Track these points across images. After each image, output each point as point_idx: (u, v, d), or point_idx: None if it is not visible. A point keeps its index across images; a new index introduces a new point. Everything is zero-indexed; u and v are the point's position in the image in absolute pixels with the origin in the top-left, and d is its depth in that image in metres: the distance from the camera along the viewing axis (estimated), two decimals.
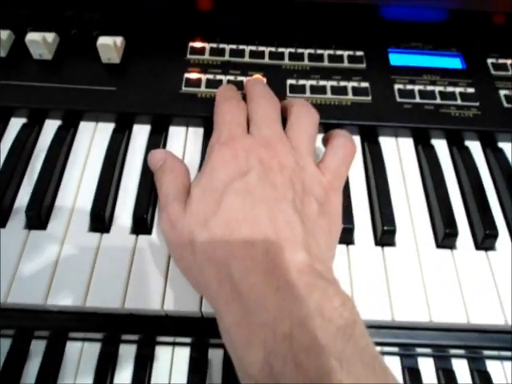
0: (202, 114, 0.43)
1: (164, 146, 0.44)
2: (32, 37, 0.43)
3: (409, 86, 0.46)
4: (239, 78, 0.46)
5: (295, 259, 0.28)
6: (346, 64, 0.47)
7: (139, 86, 0.45)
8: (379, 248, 0.38)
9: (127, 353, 0.38)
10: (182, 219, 0.33)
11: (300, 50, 0.48)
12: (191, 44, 0.48)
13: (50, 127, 0.44)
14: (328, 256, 0.32)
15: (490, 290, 0.36)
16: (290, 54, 0.48)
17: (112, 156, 0.42)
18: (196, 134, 0.44)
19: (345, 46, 0.49)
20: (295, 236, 0.30)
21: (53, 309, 0.35)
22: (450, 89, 0.46)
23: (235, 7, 0.49)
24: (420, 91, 0.45)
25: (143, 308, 0.34)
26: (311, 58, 0.48)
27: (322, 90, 0.45)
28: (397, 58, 0.48)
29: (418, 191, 0.42)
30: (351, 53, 0.48)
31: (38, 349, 0.38)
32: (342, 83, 0.46)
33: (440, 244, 0.38)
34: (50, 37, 0.45)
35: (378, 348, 0.37)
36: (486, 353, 0.38)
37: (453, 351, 0.38)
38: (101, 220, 0.38)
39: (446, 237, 0.38)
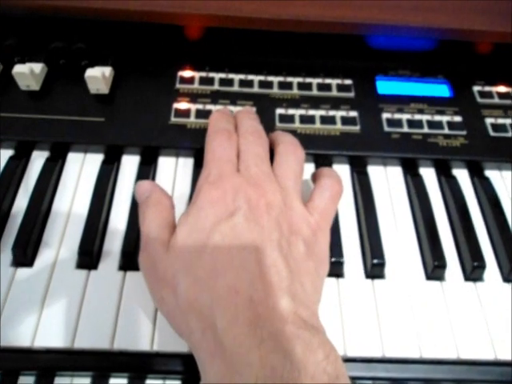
0: (191, 145, 0.43)
1: (153, 177, 0.43)
2: (19, 69, 0.43)
3: (396, 115, 0.46)
4: (229, 108, 0.46)
5: (280, 307, 0.28)
6: (334, 93, 0.48)
7: (128, 116, 0.44)
8: (369, 281, 0.38)
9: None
10: (164, 260, 0.32)
11: (289, 79, 0.49)
12: (180, 73, 0.48)
13: (38, 159, 0.44)
14: (314, 300, 0.32)
15: (478, 322, 0.37)
16: (279, 82, 0.48)
17: (101, 189, 0.41)
18: (186, 164, 0.44)
19: (333, 74, 0.49)
20: (280, 281, 0.29)
21: (40, 349, 0.35)
22: (437, 117, 0.47)
23: (224, 36, 0.49)
24: (408, 120, 0.46)
25: (132, 348, 0.34)
26: (300, 86, 0.48)
27: (311, 119, 0.45)
28: (384, 86, 0.49)
29: (407, 222, 0.42)
30: (340, 81, 0.48)
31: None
32: (331, 112, 0.46)
33: (429, 276, 0.39)
34: (38, 67, 0.45)
35: (369, 382, 0.37)
36: None
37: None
38: (89, 256, 0.37)
39: (434, 269, 0.38)
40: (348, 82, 0.49)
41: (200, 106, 0.46)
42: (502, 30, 0.45)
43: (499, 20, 0.46)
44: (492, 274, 0.39)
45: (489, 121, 0.47)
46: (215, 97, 0.47)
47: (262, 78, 0.48)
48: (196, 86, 0.47)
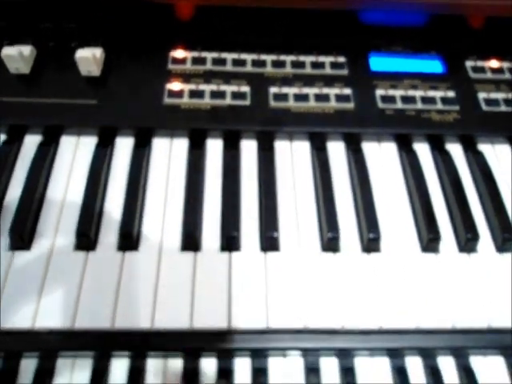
0: (185, 125, 0.43)
1: (148, 159, 0.43)
2: (8, 51, 0.42)
3: (390, 92, 0.46)
4: (222, 88, 0.45)
5: None
6: (328, 70, 0.47)
7: (121, 98, 0.44)
8: (366, 254, 0.39)
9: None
10: None
11: (282, 57, 0.48)
12: (172, 54, 0.47)
13: (31, 143, 0.43)
14: None
15: (472, 292, 0.37)
16: (273, 61, 0.48)
17: (95, 172, 0.41)
18: (181, 145, 0.44)
19: (327, 51, 0.49)
20: None
21: (42, 331, 0.35)
22: (430, 93, 0.47)
23: (216, 15, 0.49)
24: (401, 96, 0.46)
25: (133, 327, 0.34)
26: (294, 65, 0.48)
27: (305, 97, 0.45)
28: (378, 63, 0.49)
29: (402, 197, 0.42)
30: (333, 59, 0.48)
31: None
32: (325, 90, 0.46)
33: (425, 248, 0.39)
34: (27, 50, 0.44)
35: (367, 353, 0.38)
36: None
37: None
38: (87, 238, 0.37)
39: (429, 241, 0.39)
40: (341, 59, 0.48)
41: (193, 87, 0.45)
42: (494, 2, 0.45)
43: None
44: (486, 245, 0.40)
45: (482, 95, 0.47)
46: (208, 76, 0.46)
47: (255, 56, 0.48)
48: (188, 66, 0.47)
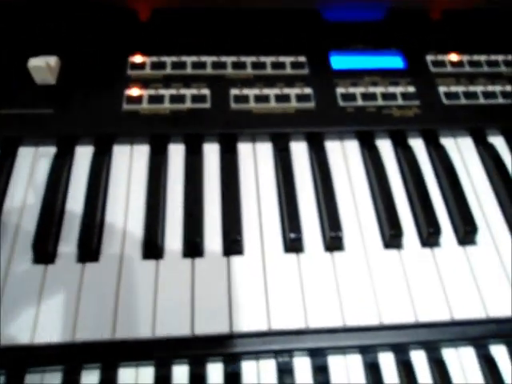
0: (145, 131, 0.43)
1: (108, 167, 0.43)
2: None
3: (351, 89, 0.46)
4: (182, 91, 0.45)
5: None
6: (288, 71, 0.47)
7: (78, 106, 0.43)
8: (328, 254, 0.39)
9: None
10: None
11: (243, 59, 0.48)
12: (131, 59, 0.47)
13: None
14: None
15: (435, 285, 0.37)
16: (233, 62, 0.48)
17: (54, 183, 0.40)
18: (141, 152, 0.44)
19: (287, 51, 0.49)
20: None
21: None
22: (391, 89, 0.47)
23: (175, 18, 0.48)
24: (362, 94, 0.46)
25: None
26: (254, 66, 0.47)
27: (266, 98, 0.45)
28: (338, 61, 0.49)
29: (365, 194, 0.42)
30: (294, 59, 0.48)
31: None
32: (286, 90, 0.46)
33: (387, 244, 0.39)
34: None
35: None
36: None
37: None
38: (44, 252, 0.37)
39: (391, 238, 0.39)
40: (302, 59, 0.48)
41: (152, 92, 0.45)
42: None
43: None
44: (448, 239, 0.40)
45: (442, 89, 0.48)
46: (168, 81, 0.46)
47: (215, 58, 0.48)
48: (148, 71, 0.46)
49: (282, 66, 0.47)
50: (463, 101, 0.47)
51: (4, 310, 0.34)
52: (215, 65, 0.47)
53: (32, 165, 0.42)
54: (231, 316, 0.35)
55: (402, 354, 0.39)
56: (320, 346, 0.36)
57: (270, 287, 0.37)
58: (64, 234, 0.38)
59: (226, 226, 0.39)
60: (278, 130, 0.44)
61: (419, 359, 0.38)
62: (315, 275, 0.37)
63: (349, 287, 0.37)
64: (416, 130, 0.46)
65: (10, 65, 0.45)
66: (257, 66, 0.47)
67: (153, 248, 0.37)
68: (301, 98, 0.45)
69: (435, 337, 0.37)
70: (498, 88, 0.48)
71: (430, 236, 0.39)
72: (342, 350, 0.36)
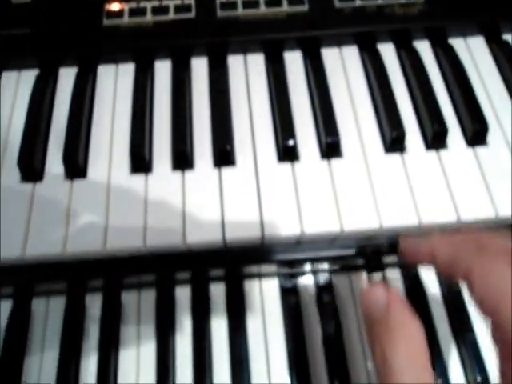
0: (127, 45, 0.40)
1: (93, 87, 0.41)
2: None
3: None
4: (164, 3, 0.42)
5: None
6: None
7: (55, 24, 0.41)
8: (325, 161, 0.36)
9: None
10: None
11: None
12: None
13: None
14: None
15: (441, 188, 0.35)
16: None
17: (37, 104, 0.39)
18: (126, 71, 0.41)
19: None
20: None
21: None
22: None
23: None
24: None
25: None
26: None
27: (255, 4, 0.41)
28: None
29: (364, 100, 0.39)
30: None
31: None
32: None
33: (389, 149, 0.37)
34: None
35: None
36: None
37: None
38: (30, 169, 0.36)
39: (393, 141, 0.36)
40: None
41: (133, 5, 0.42)
42: None
43: None
44: (455, 141, 0.37)
45: None
46: None
47: None
48: None
49: None
50: None
51: None
52: None
53: (15, 88, 0.41)
54: (224, 227, 0.34)
55: None
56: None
57: (263, 197, 0.35)
58: (50, 152, 0.37)
59: (216, 137, 0.37)
60: (269, 37, 0.40)
61: None
62: (311, 183, 0.35)
63: (347, 194, 0.35)
64: (421, 31, 0.42)
65: None
66: None
67: (140, 160, 0.36)
68: (292, 0, 0.41)
69: None
70: None
71: (435, 136, 0.36)
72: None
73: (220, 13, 0.41)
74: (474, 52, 0.42)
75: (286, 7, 0.41)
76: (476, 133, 0.36)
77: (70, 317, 0.40)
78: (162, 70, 0.41)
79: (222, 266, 0.39)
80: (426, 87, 0.38)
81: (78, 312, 0.40)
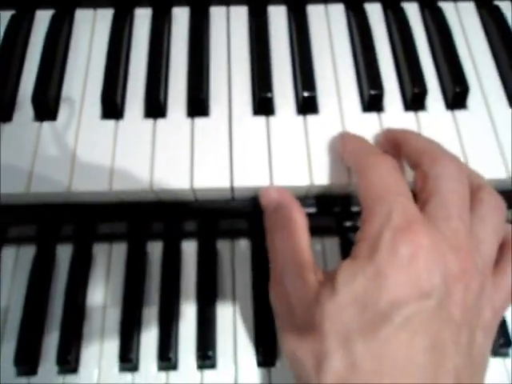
0: None
1: (69, 33, 0.39)
2: None
3: None
4: None
5: None
6: None
7: None
8: (301, 116, 0.36)
9: None
10: (308, 311, 0.26)
11: None
12: None
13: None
14: None
15: None
16: None
17: (8, 46, 0.38)
18: (104, 16, 0.40)
19: None
20: None
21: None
22: None
23: None
24: None
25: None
26: None
27: None
28: None
29: (346, 59, 0.38)
30: None
31: None
32: None
33: (367, 107, 0.36)
34: None
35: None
36: None
37: None
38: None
39: (371, 98, 0.35)
40: None
41: None
42: None
43: None
44: (435, 103, 0.36)
45: None
46: None
47: None
48: None
49: None
50: None
51: None
52: None
53: None
54: (192, 175, 0.33)
55: None
56: None
57: (234, 149, 0.34)
58: (20, 94, 0.36)
59: (191, 86, 0.36)
60: None
61: None
62: (285, 138, 0.35)
63: (320, 151, 0.34)
64: None
65: None
66: None
67: (111, 105, 0.35)
68: None
69: None
70: None
71: (414, 97, 0.35)
72: None
73: None
74: (462, 16, 0.41)
75: None
76: (456, 95, 0.36)
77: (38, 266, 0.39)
78: (142, 18, 0.40)
79: (192, 219, 0.38)
80: (410, 48, 0.38)
81: (48, 261, 0.40)
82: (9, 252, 0.40)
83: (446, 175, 0.27)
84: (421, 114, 0.36)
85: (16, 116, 0.36)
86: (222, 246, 0.40)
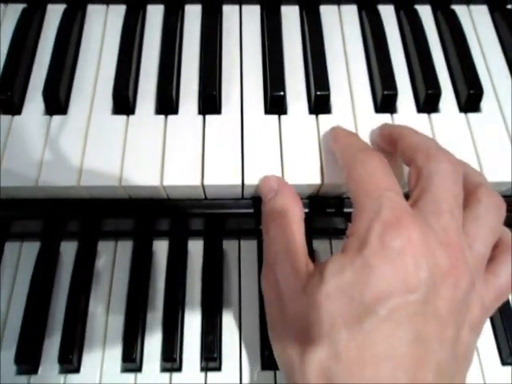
0: None
1: (81, 28, 0.39)
2: None
3: None
4: None
5: None
6: None
7: None
8: (313, 116, 0.35)
9: None
10: (295, 301, 0.26)
11: None
12: None
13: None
14: None
15: None
16: None
17: (20, 38, 0.37)
18: (117, 12, 0.40)
19: None
20: None
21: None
22: None
23: None
24: None
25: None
26: None
27: None
28: None
29: (359, 60, 0.38)
30: None
31: None
32: None
33: (379, 109, 0.36)
34: None
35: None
36: None
37: None
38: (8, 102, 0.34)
39: (384, 99, 0.35)
40: None
41: None
42: None
43: None
44: (448, 105, 0.36)
45: None
46: None
47: None
48: None
49: None
50: None
51: None
52: None
53: None
54: (203, 171, 0.33)
55: None
56: None
57: (246, 146, 0.34)
58: (31, 88, 0.36)
59: (203, 84, 0.36)
60: None
61: None
62: (297, 137, 0.34)
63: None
64: None
65: None
66: None
67: (123, 101, 0.35)
68: None
69: None
70: None
71: (428, 99, 0.35)
72: None
73: None
74: (475, 19, 0.41)
75: None
76: (470, 97, 0.35)
77: (43, 262, 0.39)
78: (155, 15, 0.40)
79: (200, 217, 0.37)
80: (423, 49, 0.37)
81: (52, 258, 0.39)
82: (12, 247, 0.40)
83: (439, 172, 0.27)
84: (434, 115, 0.36)
85: (26, 109, 0.35)
86: (229, 245, 0.40)
